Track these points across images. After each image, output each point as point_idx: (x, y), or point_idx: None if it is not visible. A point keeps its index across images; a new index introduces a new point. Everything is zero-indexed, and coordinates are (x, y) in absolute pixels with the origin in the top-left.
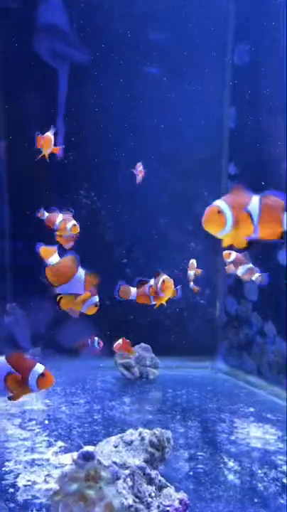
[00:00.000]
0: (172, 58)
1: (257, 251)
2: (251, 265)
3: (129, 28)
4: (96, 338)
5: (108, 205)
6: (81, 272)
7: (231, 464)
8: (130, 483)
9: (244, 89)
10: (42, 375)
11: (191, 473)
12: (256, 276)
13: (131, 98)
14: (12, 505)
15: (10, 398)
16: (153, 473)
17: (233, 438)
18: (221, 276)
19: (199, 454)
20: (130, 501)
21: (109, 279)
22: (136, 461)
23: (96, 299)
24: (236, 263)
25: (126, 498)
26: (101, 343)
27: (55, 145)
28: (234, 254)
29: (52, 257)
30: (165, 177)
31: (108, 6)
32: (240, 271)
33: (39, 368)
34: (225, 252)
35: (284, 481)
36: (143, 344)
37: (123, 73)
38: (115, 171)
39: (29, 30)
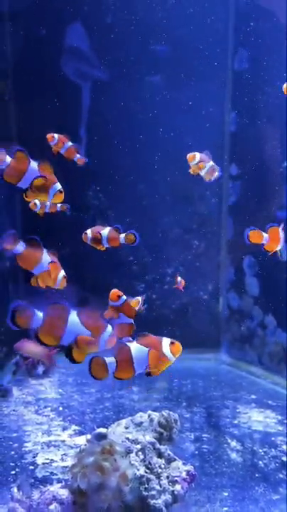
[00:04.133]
0: (176, 66)
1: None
2: (212, 163)
3: (133, 39)
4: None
5: (115, 206)
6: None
7: (234, 444)
8: (141, 456)
9: (244, 93)
10: (171, 343)
11: (197, 452)
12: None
13: (136, 105)
14: (32, 480)
15: (148, 374)
16: (163, 447)
17: (236, 422)
18: (224, 271)
19: (204, 435)
20: (142, 472)
21: (117, 277)
22: (147, 437)
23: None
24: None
25: (138, 469)
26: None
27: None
28: (198, 156)
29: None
30: (169, 178)
31: (116, 25)
32: (203, 171)
33: (166, 341)
34: (189, 155)
35: (283, 459)
36: None
37: (128, 83)
38: (122, 173)
39: (57, 52)
